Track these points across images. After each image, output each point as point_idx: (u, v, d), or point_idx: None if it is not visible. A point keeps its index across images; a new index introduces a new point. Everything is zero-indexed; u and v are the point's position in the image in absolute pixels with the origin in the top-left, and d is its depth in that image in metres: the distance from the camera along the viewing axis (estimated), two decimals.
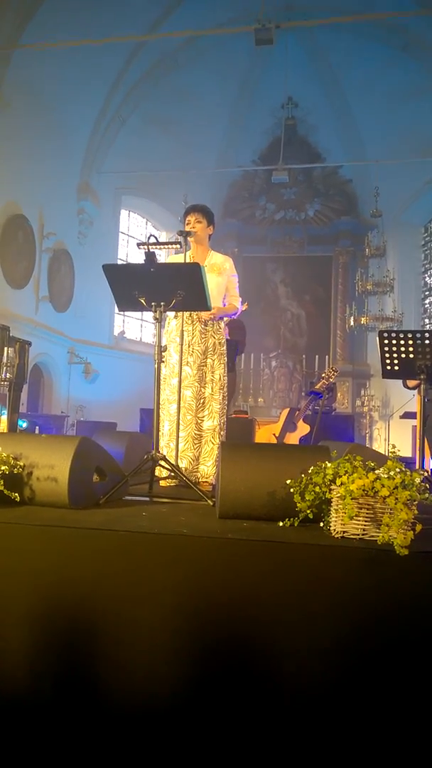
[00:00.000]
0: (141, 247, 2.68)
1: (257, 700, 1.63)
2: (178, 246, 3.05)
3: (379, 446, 10.76)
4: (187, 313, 3.28)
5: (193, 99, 10.38)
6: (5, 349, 3.79)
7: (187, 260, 3.15)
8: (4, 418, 4.02)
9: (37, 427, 6.46)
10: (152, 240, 2.71)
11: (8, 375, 3.77)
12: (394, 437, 10.02)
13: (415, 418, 4.25)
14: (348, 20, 8.57)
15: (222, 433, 3.41)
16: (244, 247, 11.73)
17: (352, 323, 10.72)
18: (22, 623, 1.75)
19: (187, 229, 3.29)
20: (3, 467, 2.08)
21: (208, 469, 3.34)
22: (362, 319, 10.59)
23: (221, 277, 3.44)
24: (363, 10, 8.68)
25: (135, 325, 11.79)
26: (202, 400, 3.35)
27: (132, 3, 8.46)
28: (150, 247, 2.67)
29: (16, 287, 8.70)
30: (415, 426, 5.20)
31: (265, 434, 5.36)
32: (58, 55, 7.96)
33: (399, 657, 1.60)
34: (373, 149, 10.65)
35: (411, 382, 3.69)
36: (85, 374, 10.08)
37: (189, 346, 3.33)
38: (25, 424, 6.03)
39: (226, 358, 3.50)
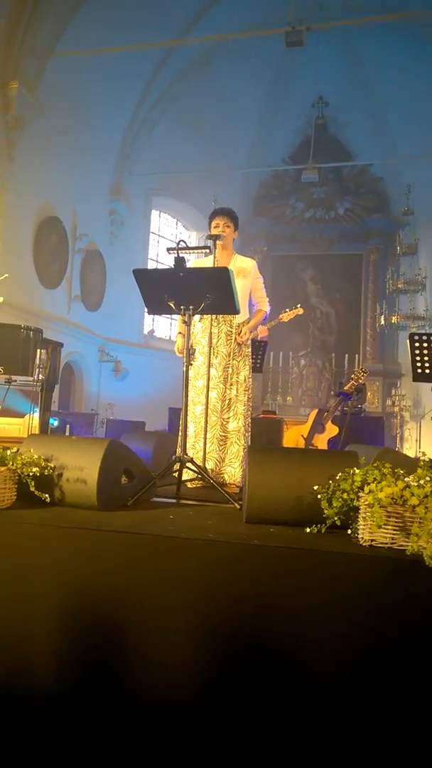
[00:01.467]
0: (171, 251, 2.69)
1: (279, 704, 1.62)
2: (208, 250, 3.04)
3: (410, 447, 10.56)
4: (213, 315, 3.27)
5: (224, 100, 10.35)
6: (38, 351, 3.85)
7: (212, 264, 3.15)
8: (36, 416, 4.09)
9: (68, 425, 6.55)
10: (182, 245, 2.72)
11: (40, 376, 3.83)
12: (425, 438, 9.83)
13: None
14: (376, 19, 8.41)
15: (247, 434, 3.40)
16: (274, 246, 11.66)
17: (382, 322, 10.56)
18: (50, 622, 1.78)
19: (216, 232, 3.28)
20: (34, 469, 2.11)
21: (234, 471, 3.33)
22: (393, 317, 10.42)
23: (246, 280, 3.44)
24: (395, 8, 8.50)
25: (164, 324, 11.84)
26: (227, 402, 3.35)
27: (164, 7, 8.47)
28: (179, 251, 2.67)
29: (49, 287, 8.83)
30: None
31: (293, 435, 5.31)
32: (92, 59, 8.05)
33: (427, 669, 1.56)
34: (404, 147, 10.44)
35: None
36: (114, 372, 10.18)
37: (214, 348, 3.33)
38: (56, 423, 6.12)
39: (251, 360, 3.49)
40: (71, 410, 9.25)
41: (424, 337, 2.93)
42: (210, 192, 10.20)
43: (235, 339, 3.38)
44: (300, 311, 4.62)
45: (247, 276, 3.44)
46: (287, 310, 4.69)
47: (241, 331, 3.41)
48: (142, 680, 1.70)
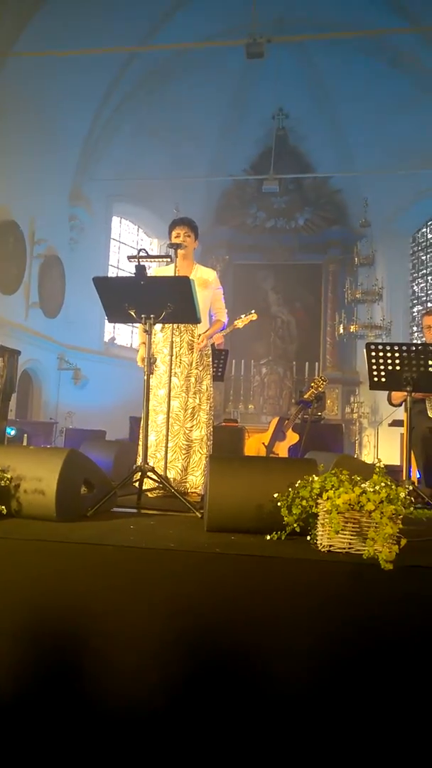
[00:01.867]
0: (131, 260, 2.69)
1: (243, 710, 1.63)
2: (169, 259, 3.06)
3: (368, 453, 10.80)
4: (174, 324, 3.29)
5: (186, 108, 10.42)
6: None
7: (173, 273, 3.17)
8: None
9: (26, 435, 6.43)
10: (142, 253, 2.73)
11: None
12: (383, 444, 10.06)
13: (403, 426, 4.29)
14: (336, 36, 8.66)
15: (209, 443, 3.42)
16: (236, 255, 11.76)
17: (341, 331, 10.78)
18: (8, 636, 1.74)
19: (176, 242, 3.30)
20: None
21: (196, 479, 3.35)
22: (351, 326, 10.66)
23: (207, 291, 3.48)
24: (352, 25, 8.78)
25: (125, 332, 11.77)
26: (189, 411, 3.37)
27: (125, 14, 8.49)
28: (140, 260, 2.68)
29: (6, 293, 8.66)
30: (404, 434, 5.24)
31: (254, 443, 5.37)
32: (52, 63, 7.98)
33: (382, 667, 1.61)
34: (362, 160, 10.75)
35: (395, 399, 3.73)
36: (74, 380, 10.04)
37: (176, 357, 3.35)
38: (13, 432, 6.00)
39: (212, 369, 3.53)
40: (29, 419, 9.07)
41: (380, 347, 3.02)
42: (172, 199, 10.23)
43: (195, 347, 3.42)
44: (254, 317, 4.69)
45: (208, 287, 3.48)
46: (242, 316, 4.76)
47: (199, 337, 3.45)
48: (105, 689, 1.69)
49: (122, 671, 1.69)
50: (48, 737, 1.69)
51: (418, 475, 3.70)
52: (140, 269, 2.60)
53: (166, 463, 3.22)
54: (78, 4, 7.97)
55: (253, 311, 4.79)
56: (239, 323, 4.76)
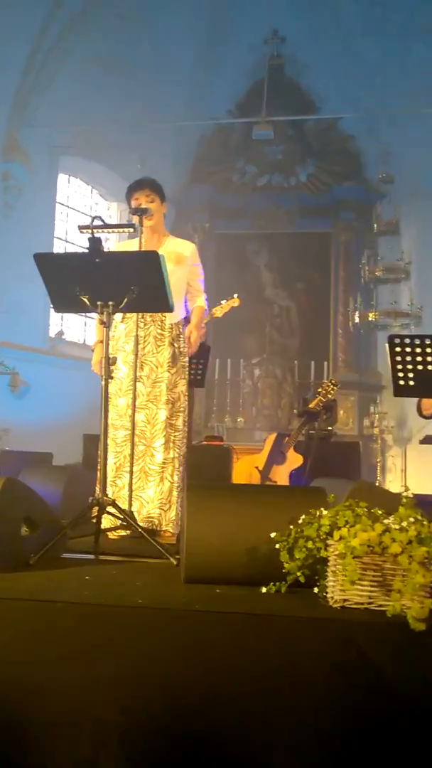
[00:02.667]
0: (83, 230, 2.72)
1: None
2: (132, 229, 3.09)
3: (394, 479, 10.89)
4: (139, 314, 3.32)
5: (153, 33, 10.46)
6: None
7: (138, 248, 3.19)
8: None
9: None
10: (97, 222, 2.75)
11: None
12: (412, 467, 10.16)
13: None
14: None
15: (182, 468, 3.46)
16: (218, 222, 11.81)
17: (357, 320, 10.86)
18: None
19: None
20: None
21: (167, 514, 3.39)
22: (370, 314, 10.75)
23: (181, 268, 3.52)
24: None
25: (77, 324, 11.76)
26: (158, 426, 3.40)
27: None
28: (94, 230, 2.70)
29: None
30: None
31: (245, 467, 5.41)
32: None
33: (412, 753, 1.63)
34: (383, 96, 10.82)
35: (427, 409, 3.75)
36: (11, 388, 9.99)
37: (140, 357, 3.37)
38: None
39: (187, 372, 3.56)
40: None
41: (407, 341, 3.05)
42: (135, 151, 10.26)
43: (180, 349, 3.45)
44: (236, 302, 4.78)
45: (182, 263, 3.53)
46: (222, 302, 4.84)
47: (183, 336, 3.47)
48: None
49: (72, 761, 1.70)
50: None
51: None
52: (95, 242, 2.62)
53: (131, 493, 3.24)
54: None
55: (235, 295, 4.87)
56: (218, 311, 4.84)
